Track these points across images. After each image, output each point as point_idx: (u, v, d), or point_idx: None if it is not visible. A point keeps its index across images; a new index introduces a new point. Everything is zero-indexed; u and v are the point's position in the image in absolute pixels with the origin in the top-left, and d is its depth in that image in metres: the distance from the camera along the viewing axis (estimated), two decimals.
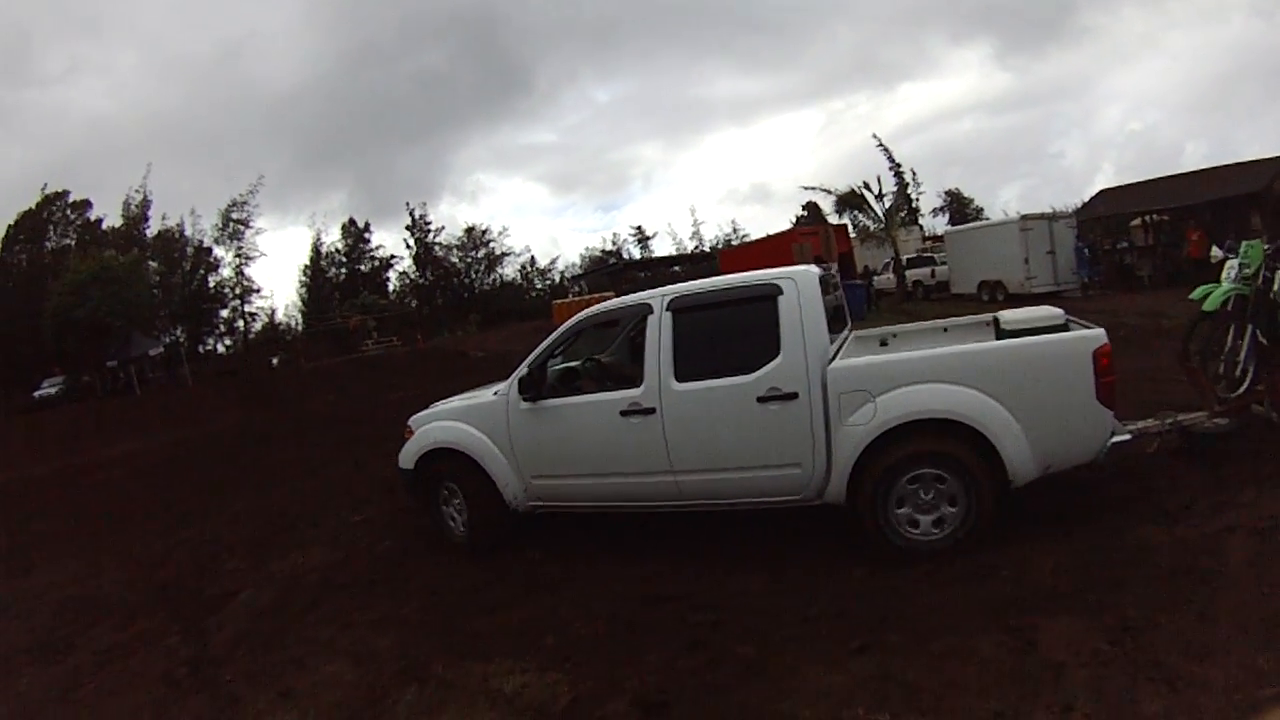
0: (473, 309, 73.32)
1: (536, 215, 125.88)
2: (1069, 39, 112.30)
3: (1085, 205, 41.13)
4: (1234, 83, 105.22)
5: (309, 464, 14.48)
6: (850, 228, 38.17)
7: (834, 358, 6.32)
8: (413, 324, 65.16)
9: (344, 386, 31.45)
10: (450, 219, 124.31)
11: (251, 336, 72.38)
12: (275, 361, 51.69)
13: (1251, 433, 7.25)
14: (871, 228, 38.84)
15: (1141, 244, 32.94)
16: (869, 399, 5.94)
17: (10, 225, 65.26)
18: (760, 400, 6.16)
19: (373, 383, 30.99)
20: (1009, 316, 7.03)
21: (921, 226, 49.49)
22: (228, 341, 73.59)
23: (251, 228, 68.85)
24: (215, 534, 10.36)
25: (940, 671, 4.37)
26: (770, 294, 6.32)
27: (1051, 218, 30.15)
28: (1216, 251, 8.11)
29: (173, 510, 12.46)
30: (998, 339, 6.76)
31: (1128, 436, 6.10)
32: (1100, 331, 5.92)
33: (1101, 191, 39.66)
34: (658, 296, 6.83)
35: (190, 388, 44.54)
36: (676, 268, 69.11)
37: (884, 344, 8.07)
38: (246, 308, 72.09)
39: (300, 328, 72.45)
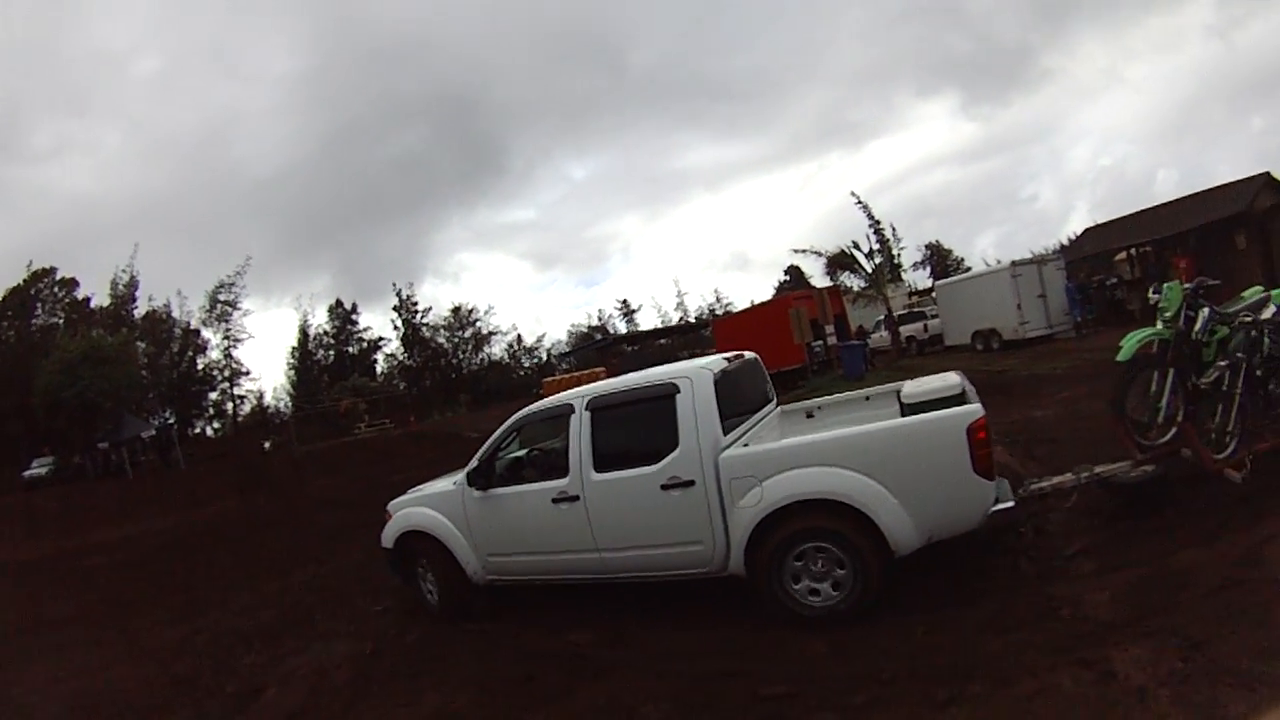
0: (461, 389, 72.86)
1: (519, 293, 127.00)
2: (1031, 83, 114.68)
3: (1072, 244, 41.60)
4: (1198, 107, 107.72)
5: (316, 550, 13.90)
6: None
7: (728, 444, 6.96)
8: (404, 406, 64.69)
9: (340, 470, 30.85)
10: (434, 300, 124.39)
11: (240, 419, 71.92)
12: (268, 445, 51.10)
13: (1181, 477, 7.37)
14: (856, 288, 38.76)
15: (1129, 278, 33.17)
16: (756, 483, 6.53)
17: None
18: (664, 487, 6.85)
19: (368, 466, 30.44)
20: (910, 389, 7.70)
21: (905, 281, 49.64)
22: (216, 424, 73.05)
23: (239, 309, 68.57)
24: (229, 624, 9.96)
25: (1031, 713, 4.42)
26: (669, 392, 7.07)
27: (1041, 261, 30.42)
28: (1153, 296, 8.15)
29: (181, 597, 12.05)
30: (902, 413, 7.33)
31: (1010, 504, 6.33)
32: (975, 407, 6.33)
33: (1088, 230, 40.42)
34: (579, 397, 7.68)
35: (183, 471, 43.80)
36: (663, 340, 69.65)
37: (810, 416, 8.95)
38: (235, 390, 71.67)
39: (289, 411, 71.82)
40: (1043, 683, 4.64)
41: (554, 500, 7.46)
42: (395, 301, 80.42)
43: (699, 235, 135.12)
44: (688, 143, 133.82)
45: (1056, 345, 25.88)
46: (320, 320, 79.76)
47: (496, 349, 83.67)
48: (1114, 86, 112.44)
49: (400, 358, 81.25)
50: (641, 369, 8.47)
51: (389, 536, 8.92)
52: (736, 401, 7.58)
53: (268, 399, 76.32)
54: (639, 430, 7.34)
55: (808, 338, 29.48)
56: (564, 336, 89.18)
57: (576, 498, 7.34)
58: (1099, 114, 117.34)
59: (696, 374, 7.10)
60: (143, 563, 16.71)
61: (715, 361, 7.57)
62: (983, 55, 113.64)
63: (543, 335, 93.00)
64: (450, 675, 6.95)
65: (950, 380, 7.56)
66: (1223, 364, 7.25)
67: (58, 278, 66.83)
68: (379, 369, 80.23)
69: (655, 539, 7.05)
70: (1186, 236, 30.07)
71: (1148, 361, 8.05)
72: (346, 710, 6.62)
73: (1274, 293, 7.84)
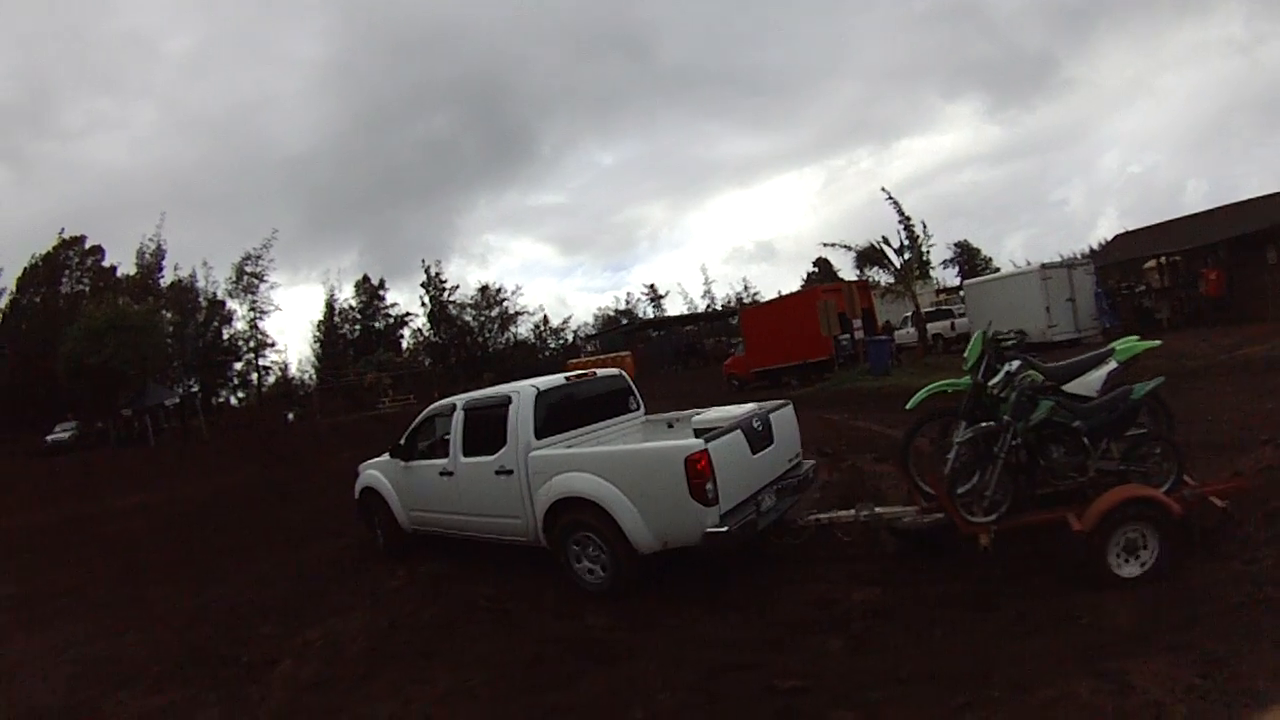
0: (487, 368, 72.04)
1: (545, 275, 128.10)
2: (1055, 91, 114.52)
3: (1102, 250, 41.00)
4: (1226, 119, 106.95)
5: (333, 523, 13.68)
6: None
7: (541, 445, 8.65)
8: (428, 382, 64.47)
9: (362, 444, 30.71)
10: (461, 279, 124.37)
11: (264, 390, 72.02)
12: (291, 417, 51.14)
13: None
14: (883, 282, 38.36)
15: (1158, 286, 32.78)
16: (547, 479, 8.28)
17: (26, 267, 65.52)
18: (496, 473, 8.83)
19: (390, 440, 30.12)
20: (701, 417, 8.96)
21: (933, 279, 49.29)
22: (241, 394, 73.34)
23: (265, 281, 68.56)
24: (244, 595, 10.02)
25: None
26: (505, 403, 8.97)
27: (1070, 265, 29.98)
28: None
29: (196, 566, 12.12)
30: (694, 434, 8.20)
31: (724, 529, 7.13)
32: (696, 442, 7.31)
33: (1118, 236, 39.83)
34: (461, 399, 9.82)
35: (206, 439, 44.11)
36: (690, 326, 69.56)
37: (670, 426, 10.22)
38: (260, 361, 71.78)
39: (314, 383, 71.96)
40: (1060, 691, 4.58)
41: (440, 474, 9.68)
42: (423, 279, 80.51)
43: (726, 225, 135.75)
44: (716, 134, 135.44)
45: (1084, 350, 25.21)
46: (347, 295, 79.99)
47: (523, 329, 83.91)
48: (1142, 95, 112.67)
49: (426, 334, 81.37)
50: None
51: (356, 490, 11.36)
52: (573, 412, 9.40)
53: (292, 371, 76.57)
54: (488, 429, 9.10)
55: (835, 331, 29.20)
56: (590, 319, 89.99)
57: (452, 473, 9.50)
58: (1128, 122, 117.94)
59: (524, 390, 9.01)
60: (160, 530, 16.71)
61: (549, 380, 9.50)
62: (1006, 61, 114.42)
63: (569, 318, 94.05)
64: (465, 654, 7.00)
65: (735, 412, 8.72)
66: (984, 425, 7.19)
67: (86, 246, 67.33)
68: (405, 345, 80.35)
69: (493, 510, 9.01)
70: (1217, 248, 29.65)
71: (939, 411, 8.33)
72: (360, 684, 6.63)
73: (1118, 348, 7.68)
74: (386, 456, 10.87)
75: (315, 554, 11.88)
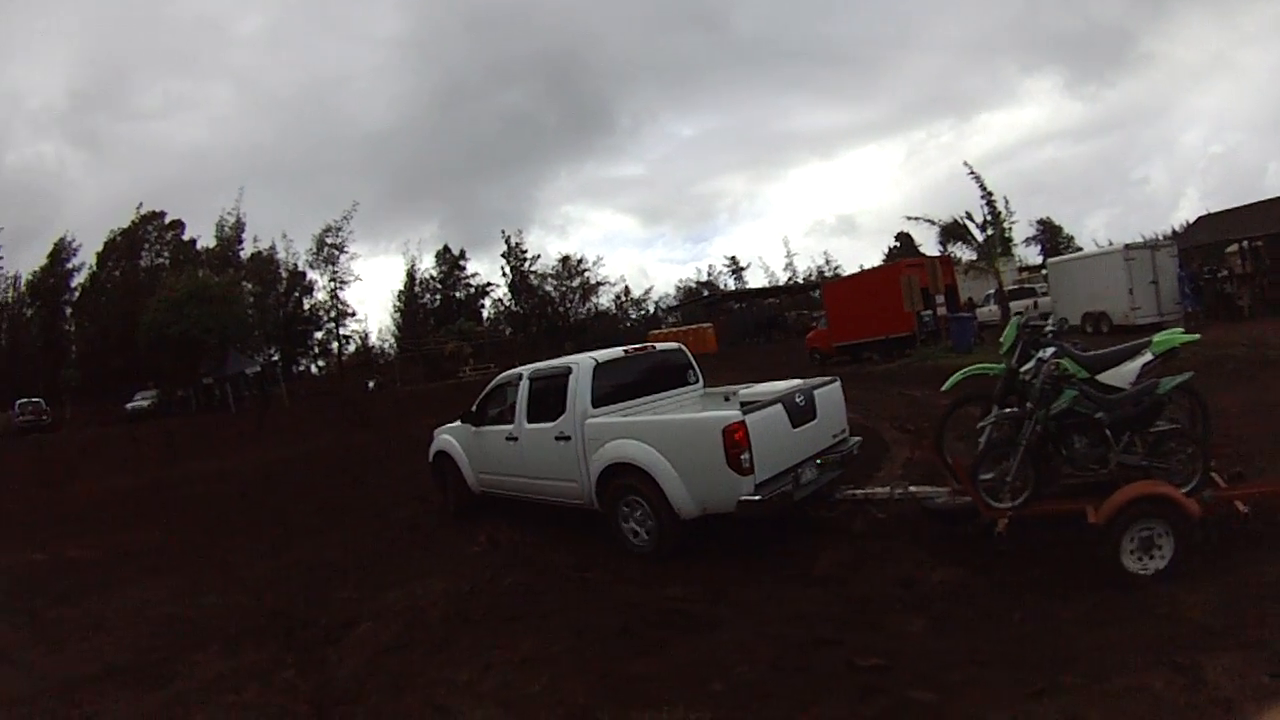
0: (568, 337, 71.72)
1: (626, 246, 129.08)
2: (1133, 66, 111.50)
3: (1186, 232, 40.05)
4: None
5: (415, 488, 13.77)
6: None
7: (597, 414, 9.13)
8: (508, 351, 64.66)
9: (441, 411, 31.04)
10: (541, 249, 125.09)
11: (345, 359, 73.05)
12: (372, 385, 51.81)
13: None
14: (963, 259, 37.84)
15: (1240, 271, 31.97)
16: (601, 445, 8.79)
17: (106, 241, 67.63)
18: (556, 439, 9.37)
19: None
20: (749, 391, 9.25)
21: (1015, 256, 48.56)
22: (321, 363, 74.70)
23: (346, 252, 69.57)
24: (324, 558, 10.19)
25: (1121, 711, 4.35)
26: (566, 373, 9.48)
27: (1154, 246, 29.18)
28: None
29: (276, 530, 12.32)
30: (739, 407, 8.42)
31: (757, 497, 7.56)
32: (734, 414, 7.73)
33: (1201, 218, 38.84)
34: (526, 370, 10.41)
35: (286, 407, 44.95)
36: (771, 299, 69.25)
37: (727, 399, 10.01)
38: (340, 330, 72.92)
39: (394, 352, 72.86)
40: (1134, 681, 4.57)
41: (506, 439, 10.21)
42: (504, 249, 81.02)
43: (806, 198, 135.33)
44: (794, 105, 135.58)
45: None
46: (428, 265, 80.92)
47: (604, 300, 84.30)
48: (1222, 71, 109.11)
49: (507, 304, 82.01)
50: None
51: (431, 453, 12.01)
52: (631, 383, 9.81)
53: (373, 340, 77.63)
54: (550, 397, 9.64)
55: (918, 306, 28.80)
56: (671, 290, 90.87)
57: (517, 439, 10.04)
58: (1209, 99, 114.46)
59: (583, 361, 9.51)
60: (240, 495, 16.94)
61: (608, 353, 9.94)
62: (1084, 34, 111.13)
63: (650, 288, 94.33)
64: (547, 621, 7.01)
65: (779, 387, 9.01)
66: (1007, 411, 7.34)
67: (166, 221, 68.91)
68: (485, 314, 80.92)
69: (553, 473, 9.52)
70: None
71: (973, 394, 8.47)
72: (440, 648, 6.67)
73: (1156, 340, 7.56)
74: (459, 422, 11.32)
75: (395, 518, 12.13)
